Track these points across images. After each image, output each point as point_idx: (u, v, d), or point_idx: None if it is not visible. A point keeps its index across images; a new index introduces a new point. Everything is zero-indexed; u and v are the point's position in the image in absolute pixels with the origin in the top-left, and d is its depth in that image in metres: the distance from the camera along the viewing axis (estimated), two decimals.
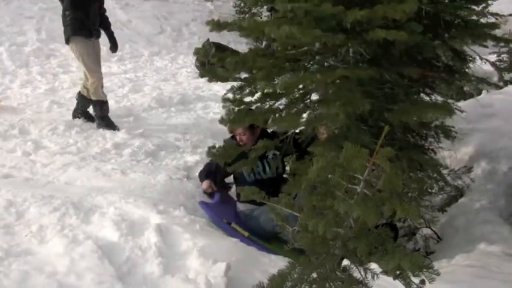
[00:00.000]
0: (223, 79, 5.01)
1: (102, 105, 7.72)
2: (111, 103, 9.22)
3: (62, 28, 7.48)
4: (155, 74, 11.71)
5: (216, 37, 11.96)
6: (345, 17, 3.87)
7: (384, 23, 3.92)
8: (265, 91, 4.82)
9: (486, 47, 5.22)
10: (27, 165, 6.21)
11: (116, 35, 8.17)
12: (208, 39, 11.99)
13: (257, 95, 4.89)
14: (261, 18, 17.10)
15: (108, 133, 7.55)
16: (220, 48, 11.88)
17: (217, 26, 4.59)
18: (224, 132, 6.32)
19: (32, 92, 9.73)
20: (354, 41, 4.12)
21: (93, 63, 7.58)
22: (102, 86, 7.79)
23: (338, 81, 4.44)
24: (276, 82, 4.58)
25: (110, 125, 7.72)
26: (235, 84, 5.01)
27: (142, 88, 10.57)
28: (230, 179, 6.30)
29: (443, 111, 4.26)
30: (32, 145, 6.83)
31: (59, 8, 7.60)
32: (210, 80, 5.08)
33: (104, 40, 8.00)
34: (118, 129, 7.65)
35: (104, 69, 11.58)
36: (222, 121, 4.99)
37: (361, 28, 4.09)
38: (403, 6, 3.68)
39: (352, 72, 4.12)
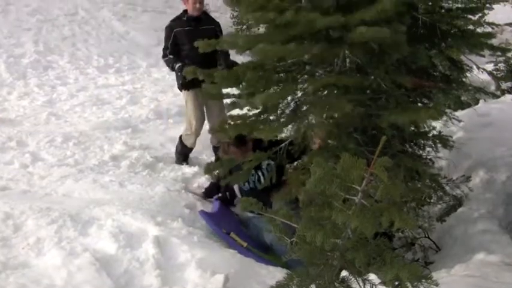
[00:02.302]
0: (216, 97, 5.03)
1: (182, 146, 7.43)
2: (109, 115, 9.25)
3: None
4: (153, 86, 11.69)
5: None
6: (317, 23, 3.86)
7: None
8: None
9: (483, 56, 5.24)
10: (24, 178, 6.21)
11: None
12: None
13: (246, 108, 4.89)
14: (258, 29, 17.11)
15: (106, 145, 7.54)
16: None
17: (207, 45, 4.63)
18: None
19: (30, 104, 9.73)
20: (339, 49, 4.12)
21: (193, 116, 7.23)
22: (197, 136, 7.37)
23: (326, 91, 4.45)
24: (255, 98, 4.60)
25: (183, 160, 7.49)
26: (228, 100, 5.02)
27: (140, 100, 10.55)
28: None
29: (433, 113, 4.27)
30: (30, 157, 6.84)
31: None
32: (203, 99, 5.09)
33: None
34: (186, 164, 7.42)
35: (101, 81, 11.68)
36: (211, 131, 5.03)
37: (341, 34, 4.09)
38: (376, 6, 3.68)
39: (336, 79, 4.13)
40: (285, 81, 4.58)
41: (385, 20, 3.82)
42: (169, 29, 7.00)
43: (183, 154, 7.46)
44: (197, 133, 7.28)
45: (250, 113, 4.91)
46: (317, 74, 4.59)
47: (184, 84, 6.99)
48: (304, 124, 4.59)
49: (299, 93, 4.66)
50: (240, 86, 4.64)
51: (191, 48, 6.62)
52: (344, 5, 4.04)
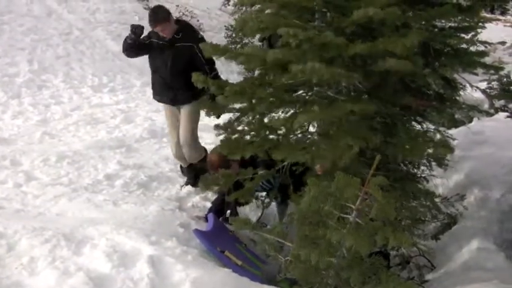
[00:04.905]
0: (221, 111, 5.04)
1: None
2: (103, 134, 9.25)
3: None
4: (147, 105, 11.68)
5: None
6: (346, 50, 3.88)
7: (386, 55, 3.95)
8: (265, 121, 4.83)
9: (476, 74, 5.27)
10: (18, 197, 6.18)
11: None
12: None
13: (256, 125, 4.90)
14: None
15: (100, 164, 7.53)
16: None
17: (214, 50, 4.60)
18: None
19: (24, 123, 9.71)
20: (357, 74, 4.14)
21: (168, 129, 7.34)
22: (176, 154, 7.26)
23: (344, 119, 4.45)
24: (279, 116, 4.62)
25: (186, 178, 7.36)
26: (232, 115, 5.02)
27: (134, 119, 10.55)
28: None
29: (444, 149, 4.30)
30: (24, 176, 6.81)
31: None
32: (207, 114, 5.11)
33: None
34: (181, 186, 7.22)
35: (95, 100, 11.67)
36: (224, 151, 5.01)
37: (361, 61, 4.10)
38: (404, 40, 3.70)
39: (358, 106, 4.12)
40: (296, 101, 4.59)
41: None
42: (148, 34, 6.68)
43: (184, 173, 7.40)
44: (172, 148, 7.25)
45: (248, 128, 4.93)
46: (323, 94, 4.60)
47: (153, 94, 7.08)
48: (318, 148, 4.57)
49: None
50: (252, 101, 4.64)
51: (162, 64, 6.63)
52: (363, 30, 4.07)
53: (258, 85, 4.53)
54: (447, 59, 4.85)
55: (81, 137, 9.15)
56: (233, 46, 17.59)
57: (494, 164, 6.92)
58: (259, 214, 6.43)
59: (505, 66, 7.86)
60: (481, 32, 5.29)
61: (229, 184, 5.52)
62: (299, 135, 4.91)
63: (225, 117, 5.35)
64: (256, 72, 4.95)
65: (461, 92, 5.39)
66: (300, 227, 3.17)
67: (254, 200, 6.36)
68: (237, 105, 4.90)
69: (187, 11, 19.95)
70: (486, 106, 10.24)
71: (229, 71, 14.86)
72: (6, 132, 9.05)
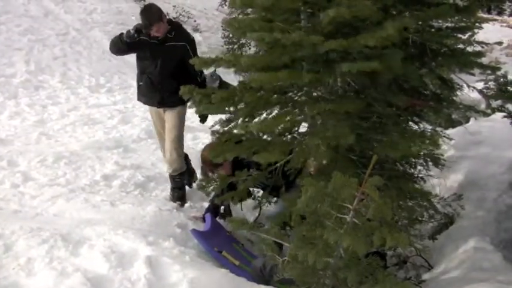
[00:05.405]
0: (211, 113, 5.03)
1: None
2: (100, 134, 9.24)
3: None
4: (144, 105, 11.67)
5: None
6: (321, 46, 3.86)
7: (365, 52, 3.94)
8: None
9: (473, 74, 5.28)
10: (15, 197, 6.17)
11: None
12: (215, 70, 11.78)
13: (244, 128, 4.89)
14: (250, 48, 17.17)
15: (97, 165, 7.53)
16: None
17: (204, 63, 4.60)
18: None
19: (21, 124, 9.68)
20: (329, 75, 4.13)
21: (157, 135, 7.12)
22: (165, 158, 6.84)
23: (326, 117, 4.45)
24: (247, 121, 4.62)
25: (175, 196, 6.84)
26: (223, 116, 5.02)
27: (131, 119, 10.54)
28: None
29: (431, 143, 4.30)
30: (21, 177, 6.80)
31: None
32: (197, 112, 5.10)
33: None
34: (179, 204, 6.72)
35: (92, 101, 11.65)
36: (210, 153, 5.01)
37: (340, 57, 4.09)
38: (380, 32, 3.68)
39: (338, 105, 4.12)
40: (283, 102, 4.58)
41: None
42: (136, 31, 6.22)
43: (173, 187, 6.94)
44: (164, 154, 6.88)
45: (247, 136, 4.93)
46: (314, 94, 4.60)
47: (138, 95, 6.85)
48: (303, 147, 4.58)
49: (298, 118, 4.64)
50: (238, 106, 4.64)
51: (151, 64, 6.40)
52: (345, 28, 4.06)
53: (250, 88, 4.52)
54: (444, 59, 4.85)
55: (78, 138, 9.14)
56: (230, 46, 17.58)
57: (491, 164, 6.94)
58: (256, 214, 6.43)
59: (502, 67, 7.88)
60: (478, 32, 5.31)
61: (223, 186, 5.54)
62: (289, 137, 4.91)
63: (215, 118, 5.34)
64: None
65: (458, 92, 5.40)
66: (297, 227, 3.17)
67: (251, 200, 6.36)
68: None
69: (184, 11, 19.95)
70: (483, 106, 10.20)
71: (226, 72, 14.83)
72: (3, 133, 9.03)
